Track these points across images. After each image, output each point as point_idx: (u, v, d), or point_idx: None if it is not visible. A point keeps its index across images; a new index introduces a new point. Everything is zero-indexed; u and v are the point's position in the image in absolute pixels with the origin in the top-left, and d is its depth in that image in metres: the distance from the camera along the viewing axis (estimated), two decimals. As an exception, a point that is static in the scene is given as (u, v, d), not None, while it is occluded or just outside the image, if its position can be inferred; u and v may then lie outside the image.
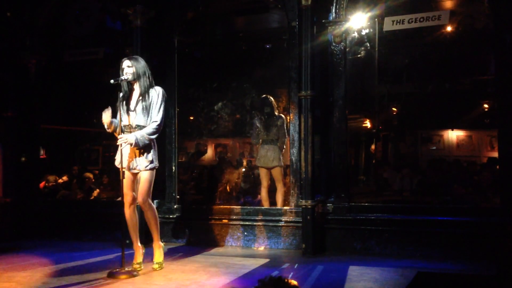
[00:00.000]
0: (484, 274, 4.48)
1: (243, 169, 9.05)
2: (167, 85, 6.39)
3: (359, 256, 5.45)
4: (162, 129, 4.74)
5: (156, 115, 4.60)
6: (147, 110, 4.59)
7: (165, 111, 4.75)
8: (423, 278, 4.31)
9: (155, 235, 4.81)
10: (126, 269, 4.47)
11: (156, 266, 4.77)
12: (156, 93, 4.65)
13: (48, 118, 8.16)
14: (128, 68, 4.65)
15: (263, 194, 6.91)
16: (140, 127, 4.58)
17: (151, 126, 4.57)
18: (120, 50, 7.15)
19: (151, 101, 4.61)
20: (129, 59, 4.71)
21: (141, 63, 4.70)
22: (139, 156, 4.60)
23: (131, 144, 4.51)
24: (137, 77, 4.65)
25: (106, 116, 4.57)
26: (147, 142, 4.54)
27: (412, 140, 10.05)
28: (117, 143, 4.53)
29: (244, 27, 8.55)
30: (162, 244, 4.92)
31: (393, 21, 5.85)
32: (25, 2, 7.33)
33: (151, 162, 4.61)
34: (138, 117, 4.61)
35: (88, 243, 6.39)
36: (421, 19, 5.71)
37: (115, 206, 6.54)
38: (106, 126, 4.63)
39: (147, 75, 4.68)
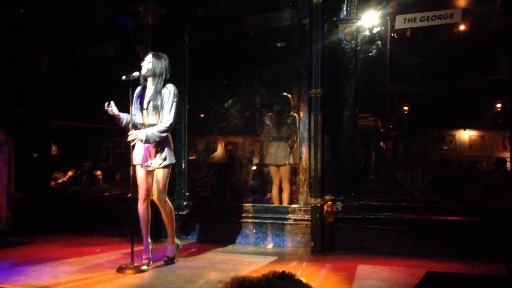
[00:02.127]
0: (494, 275, 4.45)
1: (253, 167, 9.05)
2: (177, 83, 6.37)
3: (368, 255, 5.43)
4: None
5: (168, 114, 4.59)
6: (158, 109, 4.59)
7: (177, 109, 4.75)
8: (432, 278, 4.29)
9: (170, 231, 4.85)
10: (135, 264, 4.50)
11: (167, 259, 4.81)
12: (168, 91, 4.64)
13: (59, 114, 8.22)
14: (148, 64, 4.67)
15: (274, 192, 6.90)
16: (151, 126, 4.60)
17: (163, 124, 4.57)
18: (131, 48, 7.18)
19: (162, 99, 4.60)
20: (153, 55, 4.71)
21: (162, 63, 4.68)
22: (154, 153, 4.61)
23: (141, 141, 4.53)
24: (152, 75, 4.66)
25: (112, 109, 4.60)
26: (157, 139, 4.55)
27: (423, 139, 9.98)
28: (128, 139, 4.55)
29: (254, 25, 8.54)
30: (177, 241, 4.95)
31: (404, 19, 5.81)
32: (37, -1, 7.39)
33: (165, 159, 4.63)
34: (150, 116, 4.63)
35: (98, 238, 6.43)
36: (433, 18, 5.66)
37: (125, 202, 6.57)
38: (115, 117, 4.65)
39: (163, 76, 4.67)
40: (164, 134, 4.61)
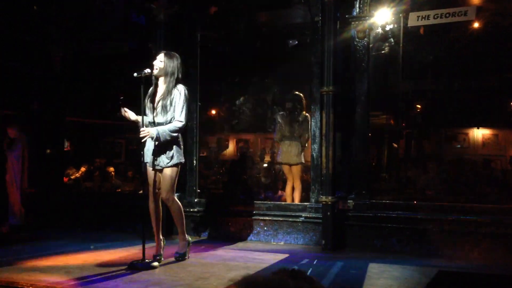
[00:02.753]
0: (506, 274, 4.41)
1: (264, 164, 9.05)
2: (189, 80, 6.42)
3: (379, 253, 5.40)
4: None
5: (180, 115, 4.57)
6: (167, 108, 4.58)
7: (188, 109, 4.73)
8: (444, 277, 4.26)
9: (180, 228, 4.88)
10: (146, 260, 4.52)
11: (177, 256, 4.84)
12: (179, 92, 4.61)
13: (72, 110, 8.29)
14: (160, 63, 4.65)
15: (288, 190, 6.90)
16: (160, 125, 4.61)
17: (174, 124, 4.56)
18: (143, 45, 7.21)
19: (172, 100, 4.58)
20: (165, 54, 4.70)
21: (174, 63, 4.67)
22: (161, 153, 4.62)
23: (152, 138, 4.54)
24: (164, 74, 4.65)
25: (129, 115, 4.65)
26: (168, 138, 4.54)
27: (436, 138, 9.91)
28: (140, 135, 4.56)
29: (266, 22, 8.52)
30: (188, 237, 4.98)
31: (418, 17, 5.77)
32: (52, -4, 7.46)
33: (172, 158, 4.62)
34: (159, 115, 4.62)
35: (110, 235, 6.47)
36: (447, 15, 5.61)
37: (137, 198, 6.63)
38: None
39: (175, 75, 4.65)
40: (175, 134, 4.59)
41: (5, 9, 7.21)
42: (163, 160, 4.62)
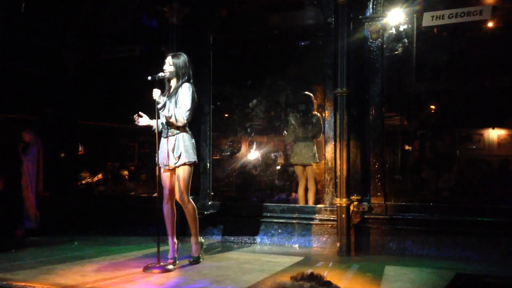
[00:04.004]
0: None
1: (277, 166, 9.02)
2: (202, 82, 6.43)
3: (395, 256, 5.36)
4: (197, 126, 4.76)
5: (184, 105, 4.58)
6: (176, 106, 4.60)
7: (194, 103, 4.68)
8: (462, 280, 4.20)
9: (193, 231, 4.85)
10: (161, 263, 4.52)
11: (191, 260, 4.83)
12: (183, 89, 4.64)
13: (85, 114, 8.32)
14: (169, 66, 4.71)
15: (300, 192, 6.87)
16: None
17: (178, 111, 4.55)
18: (156, 48, 7.22)
19: (178, 97, 4.63)
20: (173, 56, 4.74)
21: (182, 64, 4.71)
22: (171, 153, 4.62)
23: (157, 103, 4.50)
24: (175, 75, 4.70)
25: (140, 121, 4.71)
26: (168, 115, 4.52)
27: (451, 139, 9.80)
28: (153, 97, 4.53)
29: (278, 23, 8.49)
30: (201, 240, 4.96)
31: (432, 17, 5.71)
32: (64, 0, 7.49)
33: (179, 157, 4.61)
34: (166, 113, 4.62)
35: (124, 238, 6.48)
36: (462, 14, 5.55)
37: (151, 201, 6.61)
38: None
39: (186, 77, 4.70)
40: (180, 121, 4.56)
41: (19, 14, 7.27)
42: (171, 160, 4.63)
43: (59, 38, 7.52)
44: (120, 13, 7.48)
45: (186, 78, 4.71)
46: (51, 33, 7.51)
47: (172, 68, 4.70)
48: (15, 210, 6.94)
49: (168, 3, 6.49)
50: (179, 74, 4.70)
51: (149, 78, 4.59)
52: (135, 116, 4.75)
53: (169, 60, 4.73)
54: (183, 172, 4.64)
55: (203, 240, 5.02)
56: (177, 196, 4.70)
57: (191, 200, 4.79)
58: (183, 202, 4.70)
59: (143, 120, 4.76)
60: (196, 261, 4.85)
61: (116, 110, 9.50)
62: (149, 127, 4.77)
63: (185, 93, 4.62)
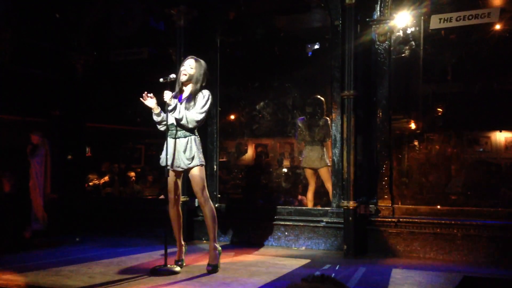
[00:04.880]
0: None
1: (284, 169, 9.02)
2: (209, 85, 6.42)
3: (402, 259, 5.35)
4: (204, 128, 4.75)
5: (200, 109, 4.54)
6: (189, 110, 4.55)
7: (208, 109, 4.66)
8: (470, 283, 4.18)
9: (211, 235, 4.65)
10: (168, 266, 4.52)
11: (210, 269, 4.57)
12: (203, 95, 4.60)
13: (93, 116, 8.36)
14: (190, 69, 4.63)
15: (309, 195, 6.86)
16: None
17: (192, 114, 4.51)
18: (163, 50, 7.25)
19: (195, 102, 4.57)
20: (196, 61, 4.67)
21: (202, 70, 4.66)
22: (180, 154, 4.60)
23: (168, 106, 4.47)
24: (193, 81, 4.63)
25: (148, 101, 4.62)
26: (178, 117, 4.47)
27: (458, 141, 9.77)
28: (164, 99, 4.49)
29: (285, 26, 8.52)
30: (218, 246, 4.69)
31: (440, 19, 5.70)
32: (72, 3, 7.55)
33: (193, 159, 4.58)
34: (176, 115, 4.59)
35: (131, 240, 6.50)
36: (470, 17, 5.54)
37: (158, 203, 6.66)
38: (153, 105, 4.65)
39: (201, 83, 4.65)
40: (191, 124, 4.52)
41: (27, 17, 7.32)
42: (184, 161, 4.59)
43: (67, 41, 7.57)
44: (128, 16, 7.52)
45: (201, 85, 4.66)
46: (60, 37, 7.57)
47: (192, 72, 4.62)
48: (23, 212, 6.98)
49: (176, 5, 6.51)
50: (199, 78, 4.63)
51: (161, 80, 4.57)
52: (145, 93, 4.62)
53: (191, 63, 4.65)
54: (198, 172, 4.58)
55: (220, 248, 4.75)
56: (198, 196, 4.61)
57: (210, 201, 4.68)
58: (205, 200, 4.59)
59: (150, 102, 4.61)
60: (214, 269, 4.60)
61: (123, 113, 9.54)
62: (151, 109, 4.66)
63: (204, 97, 4.58)
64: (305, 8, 7.52)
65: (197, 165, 4.59)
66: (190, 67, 4.65)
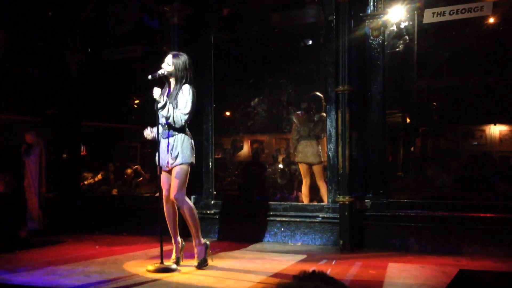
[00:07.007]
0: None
1: (280, 165, 9.03)
2: (204, 82, 6.44)
3: (398, 253, 5.36)
4: (199, 125, 4.73)
5: (184, 108, 4.52)
6: (173, 108, 4.53)
7: (194, 106, 4.60)
8: (466, 276, 4.20)
9: (193, 232, 4.68)
10: (165, 263, 4.52)
11: (197, 265, 4.63)
12: (182, 93, 4.56)
13: (88, 115, 8.33)
14: (167, 66, 4.63)
15: (304, 190, 6.87)
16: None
17: (177, 114, 4.48)
18: (158, 48, 7.24)
19: (178, 98, 4.56)
20: (173, 56, 4.65)
21: (182, 65, 4.61)
22: (169, 153, 4.59)
23: (157, 108, 4.51)
24: (174, 75, 4.62)
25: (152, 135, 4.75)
26: (167, 116, 4.49)
27: (453, 135, 9.81)
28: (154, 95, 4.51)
29: (280, 22, 8.51)
30: (204, 240, 4.74)
31: (433, 13, 5.70)
32: (66, 2, 7.52)
33: (177, 157, 4.55)
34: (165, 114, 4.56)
35: (128, 238, 6.51)
36: (463, 11, 5.54)
37: (154, 201, 6.62)
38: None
39: (185, 79, 4.61)
40: (178, 124, 4.51)
41: (21, 16, 7.29)
42: (169, 160, 4.58)
43: (62, 40, 7.53)
44: (122, 14, 7.50)
45: (185, 80, 4.62)
46: (54, 35, 7.53)
47: (170, 68, 4.61)
48: (18, 211, 6.97)
49: (169, 3, 6.49)
50: (177, 75, 4.61)
51: (149, 76, 4.55)
52: (145, 130, 4.75)
53: (168, 59, 4.64)
54: (178, 172, 4.55)
55: (207, 242, 4.81)
56: (171, 195, 4.58)
57: (187, 200, 4.64)
58: (177, 201, 4.58)
59: (152, 135, 4.75)
60: (200, 264, 4.63)
61: (118, 111, 9.52)
62: (155, 140, 4.74)
63: (185, 95, 4.55)
64: (299, 4, 7.52)
65: (179, 164, 4.56)
66: (167, 64, 4.64)
